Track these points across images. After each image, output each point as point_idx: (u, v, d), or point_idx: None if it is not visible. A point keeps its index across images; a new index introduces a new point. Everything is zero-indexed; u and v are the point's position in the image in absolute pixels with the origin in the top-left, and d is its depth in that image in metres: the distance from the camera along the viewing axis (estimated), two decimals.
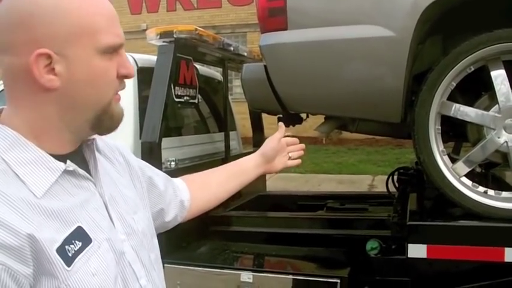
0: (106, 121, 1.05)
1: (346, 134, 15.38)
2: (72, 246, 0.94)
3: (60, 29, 0.95)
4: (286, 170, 1.80)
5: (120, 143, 1.30)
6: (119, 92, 1.07)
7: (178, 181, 1.56)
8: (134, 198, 1.21)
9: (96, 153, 1.12)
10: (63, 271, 0.91)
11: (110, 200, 1.09)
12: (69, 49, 0.96)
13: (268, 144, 1.71)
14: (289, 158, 1.76)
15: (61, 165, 0.99)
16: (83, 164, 1.07)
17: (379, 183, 8.95)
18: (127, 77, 1.05)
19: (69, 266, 0.92)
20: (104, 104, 1.03)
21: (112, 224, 1.07)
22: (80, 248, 0.95)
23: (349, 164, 12.31)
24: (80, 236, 0.97)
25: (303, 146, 1.80)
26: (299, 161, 1.79)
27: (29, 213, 0.90)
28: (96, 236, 1.00)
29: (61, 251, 0.92)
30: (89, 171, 1.07)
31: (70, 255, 0.93)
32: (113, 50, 1.01)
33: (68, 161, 1.01)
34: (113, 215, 1.08)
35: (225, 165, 1.74)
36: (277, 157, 1.74)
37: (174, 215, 1.49)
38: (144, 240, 1.17)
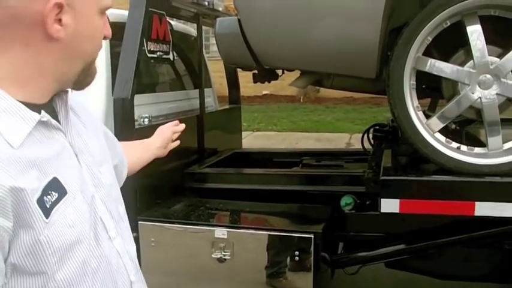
0: (88, 76, 1.10)
1: (323, 92, 15.46)
2: (49, 197, 0.93)
3: None
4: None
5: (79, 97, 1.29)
6: None
7: None
8: (100, 151, 1.21)
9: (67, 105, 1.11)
10: (41, 223, 0.91)
11: (79, 151, 1.09)
12: (78, 2, 0.99)
13: (166, 135, 2.00)
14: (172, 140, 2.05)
15: (35, 116, 0.97)
16: (53, 114, 1.06)
17: (356, 142, 9.00)
18: (106, 37, 1.11)
19: (47, 217, 0.92)
20: (93, 60, 1.09)
21: (83, 175, 1.07)
22: (56, 199, 0.95)
23: (326, 122, 12.35)
24: (56, 187, 0.96)
25: (182, 128, 2.07)
26: (178, 141, 2.08)
27: (8, 164, 0.88)
28: (70, 187, 1.00)
29: (40, 201, 0.91)
30: (58, 122, 1.06)
31: (48, 206, 0.93)
32: (105, 11, 1.07)
33: (43, 112, 0.99)
34: (82, 166, 1.09)
35: (134, 141, 1.95)
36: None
37: (122, 173, 1.55)
38: (112, 192, 1.19)
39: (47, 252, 0.92)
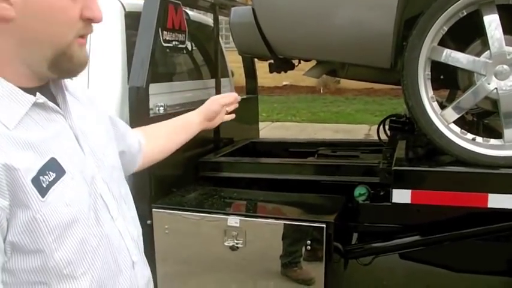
0: (64, 63, 1.02)
1: (343, 84, 15.38)
2: (46, 177, 0.95)
3: None
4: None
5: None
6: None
7: (132, 130, 1.62)
8: (104, 133, 1.23)
9: (64, 90, 1.12)
10: (37, 201, 0.92)
11: (81, 133, 1.10)
12: None
13: (211, 108, 1.92)
14: (226, 113, 2.00)
15: (30, 98, 0.99)
16: (52, 98, 1.07)
17: (375, 133, 8.93)
18: (92, 20, 1.03)
19: (43, 196, 0.94)
20: (63, 45, 1.00)
21: (83, 156, 1.09)
22: (54, 179, 0.96)
23: (346, 114, 12.29)
24: (54, 167, 0.98)
25: (238, 99, 2.03)
26: (233, 115, 2.05)
27: (3, 143, 0.90)
28: (69, 167, 1.01)
29: (36, 181, 0.93)
30: (57, 105, 1.07)
31: (44, 185, 0.94)
32: None
33: (38, 94, 1.00)
34: (84, 147, 1.10)
35: (172, 119, 1.86)
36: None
37: (132, 159, 1.55)
38: (114, 173, 1.21)
39: (44, 230, 0.94)
